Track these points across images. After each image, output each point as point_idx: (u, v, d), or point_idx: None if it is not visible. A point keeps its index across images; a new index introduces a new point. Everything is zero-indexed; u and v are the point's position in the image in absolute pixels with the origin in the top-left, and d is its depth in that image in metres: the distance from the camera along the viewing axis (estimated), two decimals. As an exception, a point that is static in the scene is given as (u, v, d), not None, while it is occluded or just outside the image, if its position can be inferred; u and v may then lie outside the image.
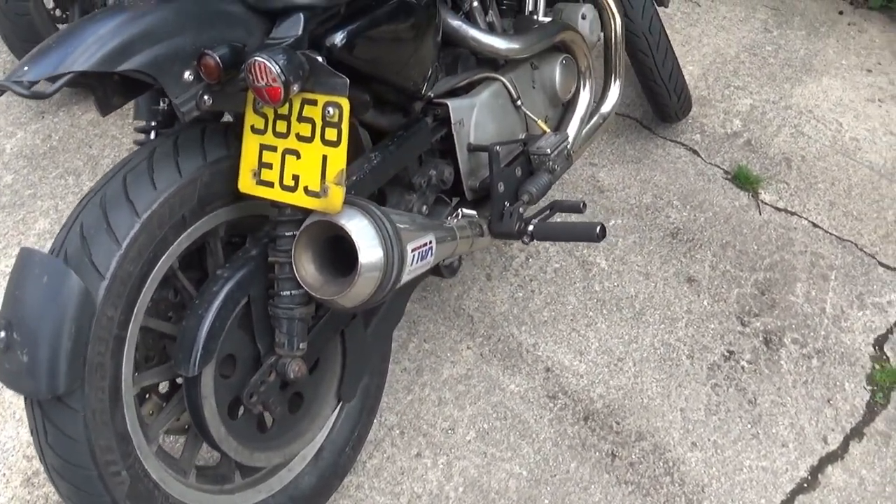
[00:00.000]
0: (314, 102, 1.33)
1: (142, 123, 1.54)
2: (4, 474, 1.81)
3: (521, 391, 2.04)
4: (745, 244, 2.44)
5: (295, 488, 1.70)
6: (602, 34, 2.28)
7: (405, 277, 1.42)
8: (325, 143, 1.33)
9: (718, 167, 2.70)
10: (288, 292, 1.44)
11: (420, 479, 1.86)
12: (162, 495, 1.45)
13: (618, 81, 2.31)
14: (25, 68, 1.19)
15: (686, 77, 2.94)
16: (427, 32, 1.68)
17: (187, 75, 1.29)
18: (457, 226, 1.68)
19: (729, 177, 2.67)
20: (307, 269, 1.37)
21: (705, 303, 2.27)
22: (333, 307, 1.43)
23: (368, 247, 1.33)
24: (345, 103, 1.31)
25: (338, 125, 1.31)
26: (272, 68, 1.26)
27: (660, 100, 2.62)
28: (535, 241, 1.83)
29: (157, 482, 1.44)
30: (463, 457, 1.90)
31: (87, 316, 1.26)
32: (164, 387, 1.57)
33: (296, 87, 1.30)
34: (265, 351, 1.50)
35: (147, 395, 1.54)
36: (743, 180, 2.64)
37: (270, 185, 1.38)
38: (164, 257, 1.37)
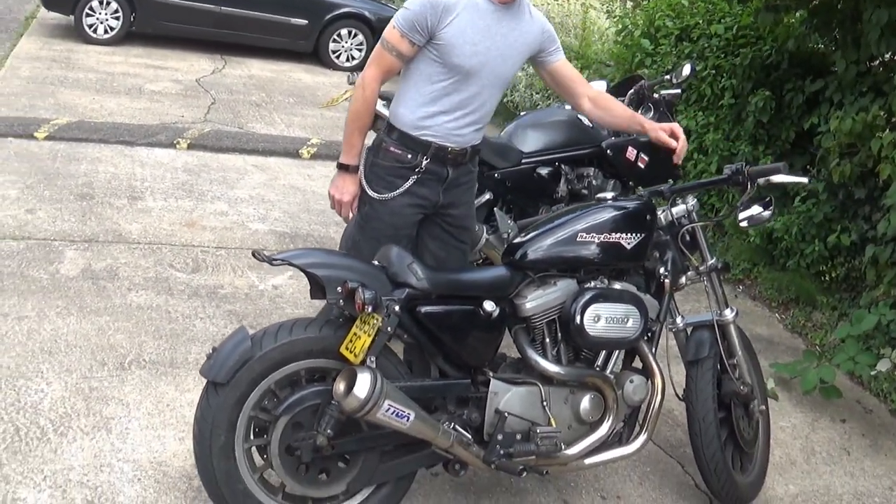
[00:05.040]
0: (373, 316, 2.87)
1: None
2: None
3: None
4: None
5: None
6: (645, 398, 3.41)
7: (380, 415, 2.80)
8: (368, 335, 2.84)
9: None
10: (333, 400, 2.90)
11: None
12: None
13: (643, 436, 3.36)
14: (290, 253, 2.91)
15: (783, 491, 3.82)
16: (486, 337, 3.13)
17: (339, 289, 2.90)
18: (442, 425, 3.00)
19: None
20: (338, 388, 2.84)
21: None
22: (344, 410, 2.84)
23: (361, 385, 2.77)
24: (377, 320, 2.82)
25: (374, 328, 2.83)
26: (360, 295, 2.83)
27: (703, 474, 3.57)
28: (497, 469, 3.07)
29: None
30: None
31: (245, 358, 2.85)
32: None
33: (369, 308, 2.83)
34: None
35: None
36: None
37: (349, 350, 2.91)
38: (292, 364, 2.94)
